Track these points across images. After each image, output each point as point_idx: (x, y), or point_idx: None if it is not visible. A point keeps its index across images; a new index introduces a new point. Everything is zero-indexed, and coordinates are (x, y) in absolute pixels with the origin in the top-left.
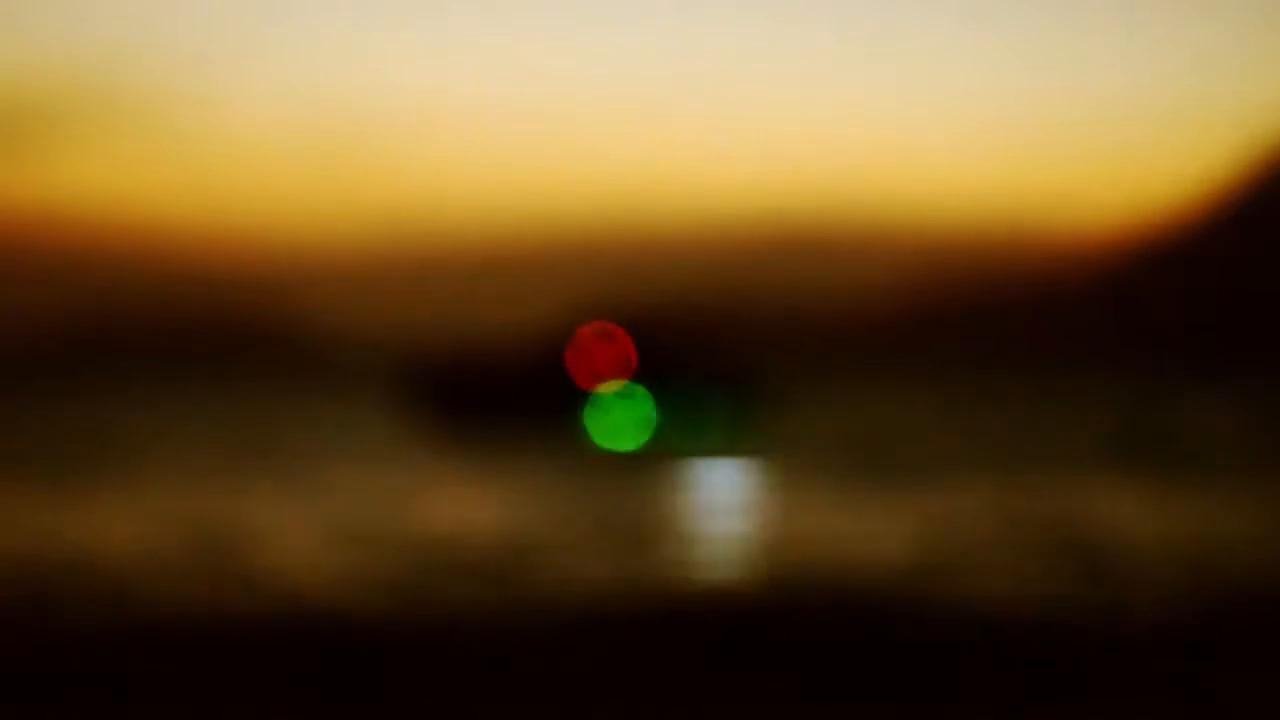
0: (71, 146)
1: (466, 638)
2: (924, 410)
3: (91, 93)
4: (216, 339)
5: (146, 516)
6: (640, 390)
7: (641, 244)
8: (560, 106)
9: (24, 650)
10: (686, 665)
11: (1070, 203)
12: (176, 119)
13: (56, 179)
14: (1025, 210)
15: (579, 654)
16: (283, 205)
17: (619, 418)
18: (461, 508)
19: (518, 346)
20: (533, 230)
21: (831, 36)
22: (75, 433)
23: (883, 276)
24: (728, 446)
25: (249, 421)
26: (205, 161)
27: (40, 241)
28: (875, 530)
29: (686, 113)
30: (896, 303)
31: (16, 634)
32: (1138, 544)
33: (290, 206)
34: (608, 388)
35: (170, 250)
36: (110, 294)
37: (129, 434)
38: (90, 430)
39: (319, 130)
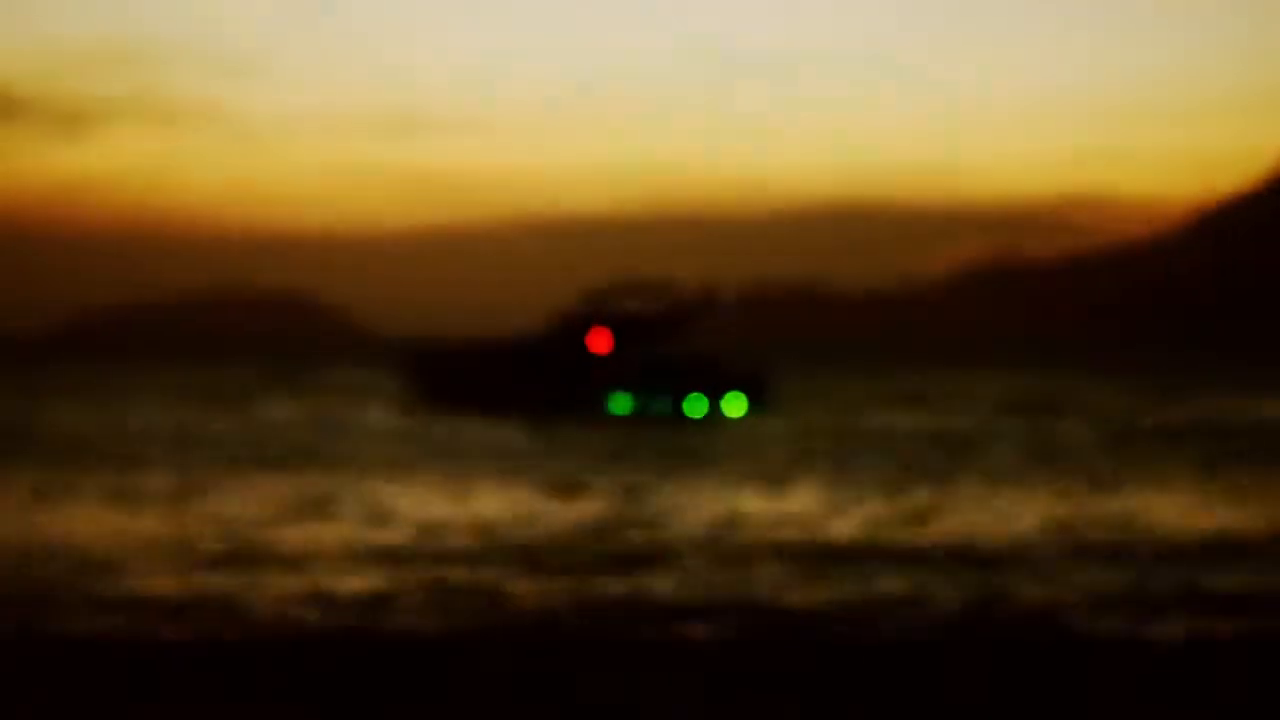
0: (122, 130)
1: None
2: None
3: (143, 77)
4: (262, 318)
5: (172, 506)
6: (646, 371)
7: (702, 220)
8: (615, 93)
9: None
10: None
11: (1138, 177)
12: (226, 102)
13: (107, 162)
14: (1093, 183)
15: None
16: (329, 187)
17: (626, 392)
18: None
19: (541, 326)
20: (572, 211)
21: (903, 11)
22: (96, 420)
23: (951, 248)
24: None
25: (280, 407)
26: (252, 145)
27: (90, 221)
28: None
29: (748, 90)
30: (962, 273)
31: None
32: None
33: (336, 188)
34: (606, 360)
35: (214, 229)
36: (155, 272)
37: (151, 421)
38: (111, 418)
39: (368, 115)
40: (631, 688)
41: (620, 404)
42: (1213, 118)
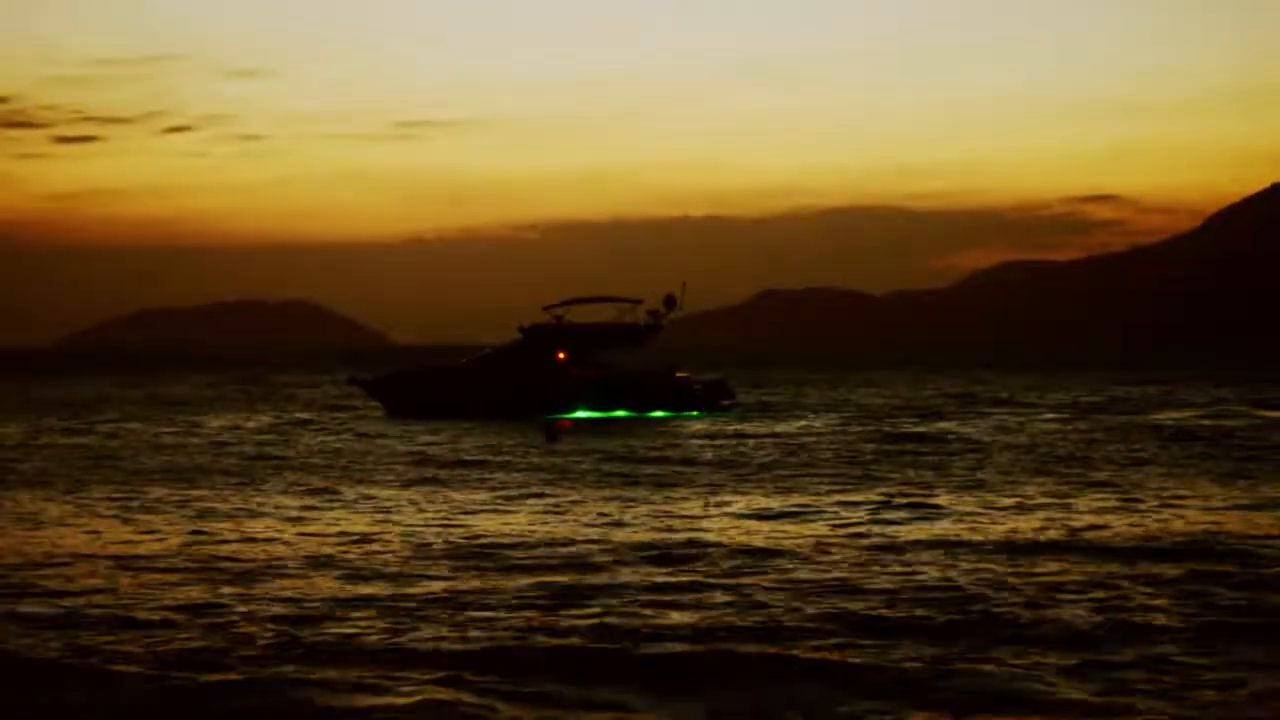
0: (130, 139)
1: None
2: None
3: (150, 86)
4: (273, 326)
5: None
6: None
7: (717, 223)
8: (624, 95)
9: None
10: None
11: (1155, 175)
12: (234, 110)
13: (117, 171)
14: (1109, 182)
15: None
16: (337, 193)
17: (585, 399)
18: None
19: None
20: (582, 214)
21: (918, 13)
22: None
23: (968, 249)
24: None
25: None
26: (260, 151)
27: (100, 232)
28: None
29: (759, 92)
30: (979, 273)
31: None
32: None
33: (344, 194)
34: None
35: (224, 238)
36: (165, 282)
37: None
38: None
39: (374, 120)
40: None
41: (583, 412)
42: (1229, 114)
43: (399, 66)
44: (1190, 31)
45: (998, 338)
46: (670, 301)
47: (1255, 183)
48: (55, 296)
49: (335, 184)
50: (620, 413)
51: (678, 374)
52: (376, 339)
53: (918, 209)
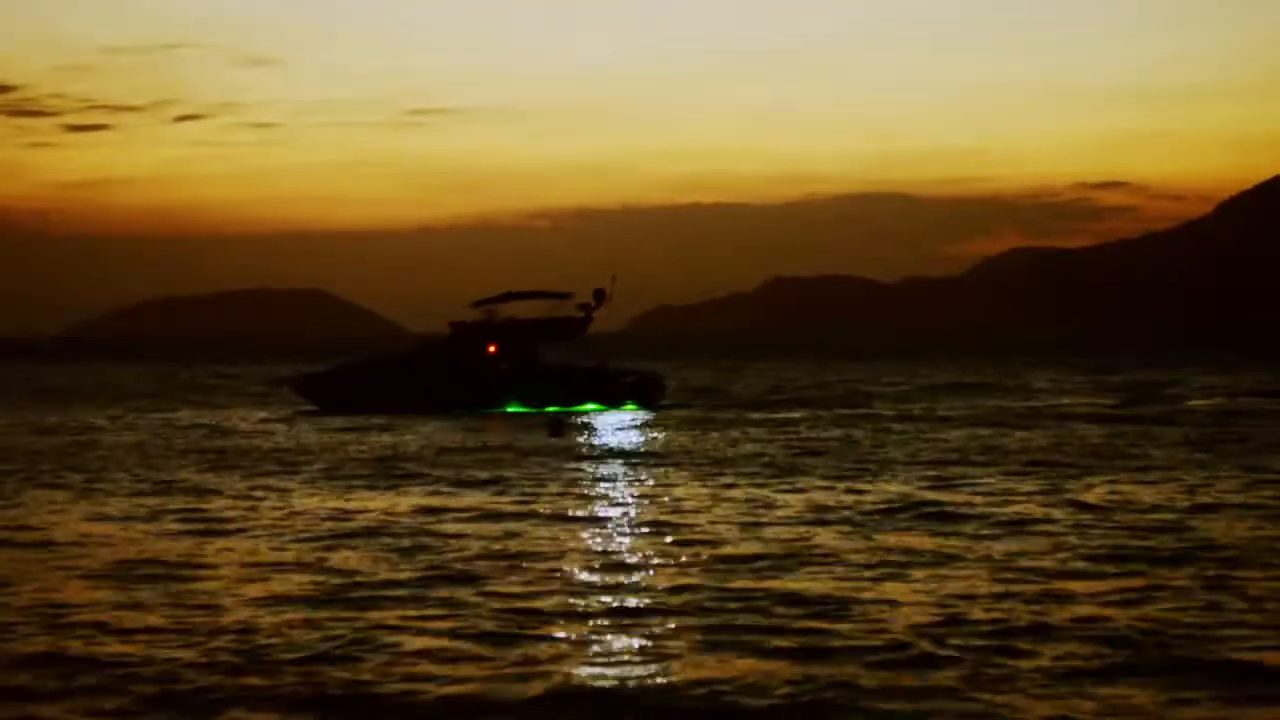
0: (140, 128)
1: None
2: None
3: (160, 74)
4: (284, 314)
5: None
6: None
7: (728, 210)
8: (636, 83)
9: None
10: None
11: (1167, 161)
12: (244, 98)
13: (126, 159)
14: (1122, 168)
15: None
16: (347, 181)
17: (514, 393)
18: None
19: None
20: (593, 201)
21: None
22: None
23: (980, 235)
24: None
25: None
26: (271, 138)
27: (109, 220)
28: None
29: (772, 79)
30: (991, 260)
31: None
32: None
33: (355, 182)
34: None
35: (234, 225)
36: (175, 270)
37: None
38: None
39: (383, 107)
40: None
41: (514, 406)
42: (1240, 101)
43: (410, 54)
44: (1200, 18)
45: (1010, 325)
46: (600, 295)
47: (1268, 169)
48: (64, 285)
49: (346, 172)
50: (551, 407)
51: (610, 367)
52: (388, 327)
53: (928, 196)
